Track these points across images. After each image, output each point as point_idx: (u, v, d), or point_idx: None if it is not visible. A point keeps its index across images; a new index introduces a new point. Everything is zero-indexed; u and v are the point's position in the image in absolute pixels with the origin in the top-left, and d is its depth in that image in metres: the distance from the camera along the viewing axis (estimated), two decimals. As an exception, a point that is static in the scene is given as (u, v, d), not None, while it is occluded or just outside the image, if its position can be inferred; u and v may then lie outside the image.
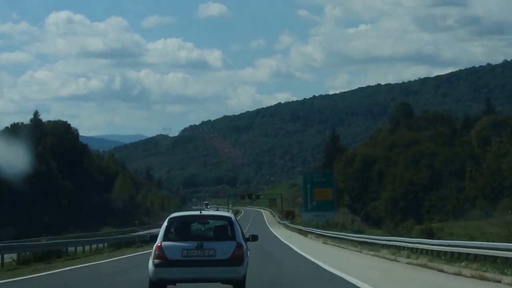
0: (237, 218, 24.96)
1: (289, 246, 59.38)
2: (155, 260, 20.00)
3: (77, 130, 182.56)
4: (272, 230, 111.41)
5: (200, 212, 22.14)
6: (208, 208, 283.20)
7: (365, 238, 60.48)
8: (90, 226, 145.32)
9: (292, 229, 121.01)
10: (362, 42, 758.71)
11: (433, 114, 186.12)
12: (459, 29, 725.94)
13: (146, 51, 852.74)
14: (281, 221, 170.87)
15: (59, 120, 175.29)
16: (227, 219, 20.93)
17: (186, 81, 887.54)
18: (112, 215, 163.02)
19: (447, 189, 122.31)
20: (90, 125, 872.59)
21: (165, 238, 20.20)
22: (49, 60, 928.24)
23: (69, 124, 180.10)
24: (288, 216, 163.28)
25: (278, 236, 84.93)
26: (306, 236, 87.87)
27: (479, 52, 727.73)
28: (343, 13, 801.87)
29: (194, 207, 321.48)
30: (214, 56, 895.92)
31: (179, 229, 20.54)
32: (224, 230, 20.55)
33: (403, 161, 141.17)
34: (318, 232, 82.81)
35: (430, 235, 68.95)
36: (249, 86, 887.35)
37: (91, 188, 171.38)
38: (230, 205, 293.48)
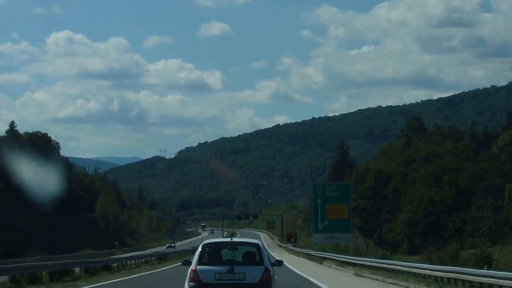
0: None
1: (310, 281, 39.25)
2: (190, 283, 21.33)
3: (58, 143, 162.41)
4: (273, 255, 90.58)
5: (231, 239, 23.72)
6: (205, 230, 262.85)
7: (429, 269, 39.57)
8: (67, 247, 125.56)
9: (298, 254, 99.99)
10: (363, 64, 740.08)
11: (448, 130, 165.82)
12: (463, 51, 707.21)
13: (146, 72, 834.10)
14: (281, 244, 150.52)
15: (37, 132, 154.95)
16: (256, 245, 22.37)
17: (184, 103, 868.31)
18: (93, 236, 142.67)
19: (481, 209, 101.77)
20: (87, 147, 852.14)
21: (199, 262, 21.65)
22: (47, 81, 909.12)
23: (50, 137, 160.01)
24: (290, 239, 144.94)
25: (286, 264, 64.39)
26: (321, 263, 67.57)
27: (481, 76, 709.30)
28: (347, 34, 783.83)
29: (188, 230, 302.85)
30: (213, 78, 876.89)
31: (211, 254, 21.98)
32: (253, 255, 21.99)
33: (423, 178, 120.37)
34: (340, 259, 62.13)
35: (489, 264, 50.84)
36: (247, 109, 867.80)
37: (72, 206, 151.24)
38: (219, 228, 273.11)
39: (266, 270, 21.33)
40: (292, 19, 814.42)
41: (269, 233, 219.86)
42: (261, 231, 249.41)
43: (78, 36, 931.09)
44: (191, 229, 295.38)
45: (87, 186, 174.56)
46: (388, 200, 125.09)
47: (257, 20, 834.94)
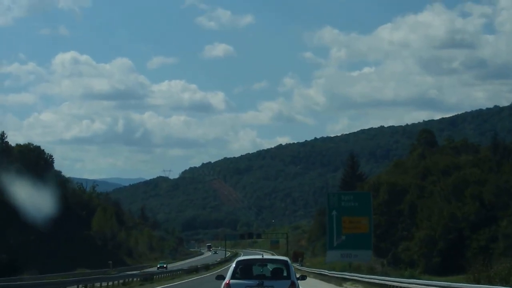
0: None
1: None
2: None
3: (52, 156, 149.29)
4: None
5: (262, 256, 25.63)
6: (211, 250, 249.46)
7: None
8: (60, 265, 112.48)
9: (308, 274, 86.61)
10: (365, 85, 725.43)
11: (461, 143, 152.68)
12: (464, 72, 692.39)
13: (150, 93, 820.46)
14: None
15: (29, 144, 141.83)
16: (284, 262, 24.45)
17: (188, 124, 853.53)
18: (89, 254, 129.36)
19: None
20: (93, 168, 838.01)
21: (233, 277, 23.42)
22: (54, 102, 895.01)
23: (43, 150, 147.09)
24: (297, 258, 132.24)
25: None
26: (341, 285, 54.62)
27: (482, 97, 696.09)
28: (348, 55, 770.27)
29: (191, 250, 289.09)
30: (217, 99, 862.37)
31: (243, 270, 23.94)
32: (281, 271, 23.88)
33: (442, 191, 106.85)
34: (367, 280, 48.96)
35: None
36: (250, 130, 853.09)
37: (68, 224, 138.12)
38: (220, 248, 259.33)
39: (293, 283, 23.05)
40: (295, 41, 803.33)
41: (273, 252, 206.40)
42: (265, 251, 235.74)
43: (84, 57, 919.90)
44: (194, 249, 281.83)
45: (84, 203, 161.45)
46: (404, 216, 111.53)
47: (259, 41, 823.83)
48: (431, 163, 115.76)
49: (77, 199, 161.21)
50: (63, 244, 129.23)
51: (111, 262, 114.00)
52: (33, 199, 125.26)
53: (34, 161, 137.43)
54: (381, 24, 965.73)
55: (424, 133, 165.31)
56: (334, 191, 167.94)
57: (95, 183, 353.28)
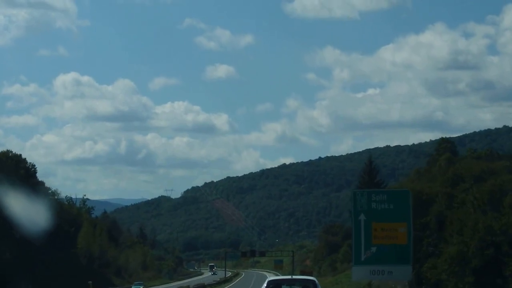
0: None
1: None
2: None
3: (35, 165, 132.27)
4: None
5: (291, 277, 28.45)
6: (214, 270, 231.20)
7: None
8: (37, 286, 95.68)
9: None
10: (369, 107, 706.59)
11: (486, 153, 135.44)
12: (470, 94, 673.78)
13: (153, 114, 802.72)
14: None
15: (7, 151, 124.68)
16: (312, 281, 26.99)
17: (191, 145, 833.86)
18: (70, 274, 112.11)
19: None
20: (95, 189, 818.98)
21: None
22: (57, 124, 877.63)
23: (24, 158, 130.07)
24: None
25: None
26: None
27: (489, 119, 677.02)
28: (351, 76, 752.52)
29: (191, 270, 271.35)
30: (221, 120, 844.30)
31: None
32: None
33: (475, 201, 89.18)
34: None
35: None
36: (253, 150, 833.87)
37: (51, 240, 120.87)
38: (215, 268, 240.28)
39: None
40: (296, 61, 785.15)
41: (277, 273, 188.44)
42: (268, 271, 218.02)
43: (85, 78, 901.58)
44: (193, 270, 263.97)
45: (72, 218, 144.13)
46: (431, 229, 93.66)
47: (260, 62, 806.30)
48: (462, 168, 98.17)
49: (65, 214, 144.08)
50: (42, 263, 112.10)
51: (90, 282, 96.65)
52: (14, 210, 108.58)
53: (13, 170, 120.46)
54: (383, 45, 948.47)
55: (444, 143, 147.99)
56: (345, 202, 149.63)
57: (97, 203, 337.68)
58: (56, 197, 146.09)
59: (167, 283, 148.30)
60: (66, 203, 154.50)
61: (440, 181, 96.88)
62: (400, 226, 49.36)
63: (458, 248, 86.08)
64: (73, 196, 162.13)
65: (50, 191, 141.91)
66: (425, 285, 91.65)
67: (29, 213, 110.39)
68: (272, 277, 26.00)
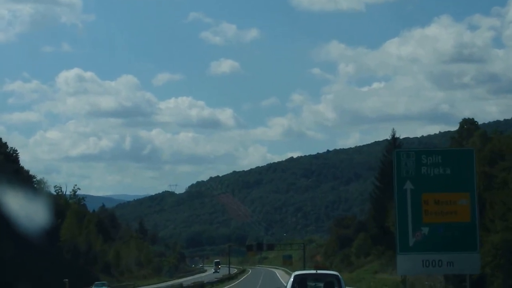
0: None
1: None
2: None
3: (17, 150, 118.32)
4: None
5: (316, 271, 29.43)
6: (218, 267, 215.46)
7: None
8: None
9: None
10: (375, 101, 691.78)
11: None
12: (476, 87, 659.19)
13: (158, 110, 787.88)
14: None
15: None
16: (335, 276, 27.68)
17: (197, 140, 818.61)
18: (50, 270, 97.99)
19: None
20: (99, 185, 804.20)
21: None
22: (60, 120, 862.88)
23: (5, 143, 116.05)
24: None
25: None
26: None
27: (495, 111, 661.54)
28: (357, 70, 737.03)
29: (194, 266, 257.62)
30: (225, 115, 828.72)
31: (300, 283, 27.38)
32: (332, 284, 27.26)
33: (521, 180, 74.60)
34: None
35: None
36: (260, 145, 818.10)
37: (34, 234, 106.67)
38: (220, 265, 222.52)
39: None
40: (301, 56, 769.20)
41: (286, 269, 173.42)
42: (276, 268, 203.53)
43: (88, 74, 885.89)
44: (197, 267, 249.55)
45: (60, 210, 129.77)
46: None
47: (266, 57, 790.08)
48: (501, 144, 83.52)
49: (52, 205, 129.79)
50: (20, 258, 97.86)
51: (67, 280, 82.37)
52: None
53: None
54: (388, 39, 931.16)
55: (467, 123, 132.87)
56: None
57: (102, 199, 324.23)
58: (42, 186, 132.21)
59: (166, 281, 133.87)
60: (55, 193, 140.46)
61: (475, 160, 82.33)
62: (460, 197, 34.85)
63: (502, 236, 71.53)
64: (76, 191, 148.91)
65: (35, 179, 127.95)
66: (466, 282, 76.15)
67: (9, 202, 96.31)
68: (298, 272, 27.77)
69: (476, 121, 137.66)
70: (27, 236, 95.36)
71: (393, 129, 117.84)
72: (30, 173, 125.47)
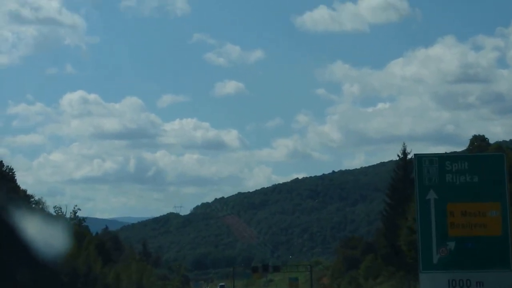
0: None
1: None
2: None
3: (13, 169, 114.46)
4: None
5: None
6: None
7: None
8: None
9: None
10: (380, 121, 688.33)
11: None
12: (481, 107, 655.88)
13: (162, 131, 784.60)
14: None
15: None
16: None
17: (201, 162, 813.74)
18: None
19: None
20: (104, 207, 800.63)
21: None
22: (64, 142, 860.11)
23: (1, 161, 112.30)
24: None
25: None
26: None
27: (501, 132, 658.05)
28: (361, 91, 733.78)
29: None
30: (230, 136, 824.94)
31: None
32: None
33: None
34: None
35: None
36: (265, 167, 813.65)
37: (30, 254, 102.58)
38: (222, 286, 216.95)
39: None
40: (306, 76, 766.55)
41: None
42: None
43: (92, 96, 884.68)
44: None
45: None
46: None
47: (270, 77, 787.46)
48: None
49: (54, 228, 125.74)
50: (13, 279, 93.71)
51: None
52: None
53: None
54: (393, 59, 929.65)
55: (477, 140, 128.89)
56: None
57: (106, 222, 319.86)
58: (41, 206, 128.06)
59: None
60: (54, 214, 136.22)
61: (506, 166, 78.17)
62: (490, 207, 30.65)
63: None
64: (79, 214, 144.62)
65: (33, 200, 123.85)
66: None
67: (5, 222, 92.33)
68: None
69: (487, 138, 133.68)
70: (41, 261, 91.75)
71: (404, 144, 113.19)
72: (28, 192, 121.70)
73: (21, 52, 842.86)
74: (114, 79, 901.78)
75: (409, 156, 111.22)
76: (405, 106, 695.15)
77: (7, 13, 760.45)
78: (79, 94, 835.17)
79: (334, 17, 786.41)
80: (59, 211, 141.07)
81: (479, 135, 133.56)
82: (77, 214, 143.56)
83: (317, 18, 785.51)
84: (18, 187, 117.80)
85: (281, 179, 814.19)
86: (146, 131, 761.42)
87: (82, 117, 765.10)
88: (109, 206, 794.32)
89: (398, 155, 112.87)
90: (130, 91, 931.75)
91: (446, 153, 37.36)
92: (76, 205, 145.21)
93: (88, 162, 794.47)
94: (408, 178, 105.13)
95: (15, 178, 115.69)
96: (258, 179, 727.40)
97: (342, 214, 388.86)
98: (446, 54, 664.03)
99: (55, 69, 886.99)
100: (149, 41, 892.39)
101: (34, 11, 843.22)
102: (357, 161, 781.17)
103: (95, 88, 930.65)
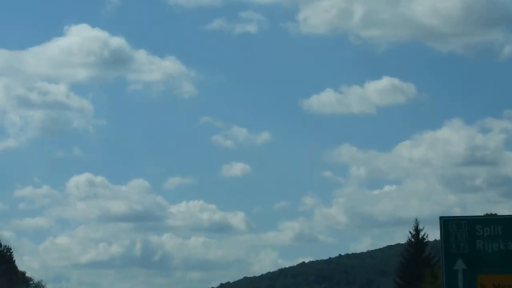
0: None
1: None
2: None
3: (11, 249, 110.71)
4: None
5: None
6: None
7: None
8: None
9: None
10: (386, 204, 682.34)
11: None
12: (488, 190, 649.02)
13: (169, 214, 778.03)
14: None
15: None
16: None
17: (208, 245, 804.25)
18: None
19: None
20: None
21: None
22: (70, 225, 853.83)
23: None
24: None
25: None
26: None
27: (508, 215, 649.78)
28: (368, 173, 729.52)
29: None
30: (237, 219, 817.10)
31: None
32: None
33: None
34: None
35: None
36: (271, 250, 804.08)
37: None
38: None
39: None
40: (313, 159, 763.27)
41: None
42: None
43: (99, 179, 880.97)
44: None
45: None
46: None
47: (277, 160, 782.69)
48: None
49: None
50: None
51: None
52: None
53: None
54: (400, 141, 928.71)
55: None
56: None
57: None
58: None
59: None
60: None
61: None
62: (528, 281, 27.29)
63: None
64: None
65: (32, 282, 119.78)
66: None
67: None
68: None
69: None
70: None
71: (416, 220, 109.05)
72: (27, 275, 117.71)
73: (29, 135, 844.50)
74: (121, 162, 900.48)
75: (421, 234, 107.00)
76: (412, 188, 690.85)
77: (15, 98, 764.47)
78: (85, 176, 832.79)
79: (341, 100, 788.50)
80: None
81: (490, 213, 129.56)
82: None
83: (324, 101, 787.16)
84: (16, 268, 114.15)
85: (287, 263, 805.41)
86: (153, 214, 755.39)
87: (88, 200, 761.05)
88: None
89: (410, 232, 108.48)
90: (137, 173, 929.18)
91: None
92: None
93: (94, 246, 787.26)
94: (421, 257, 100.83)
95: (14, 259, 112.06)
96: (264, 263, 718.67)
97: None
98: (453, 137, 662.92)
99: (62, 151, 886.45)
100: (156, 123, 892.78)
101: (42, 95, 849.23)
102: (363, 244, 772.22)
103: (101, 171, 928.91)
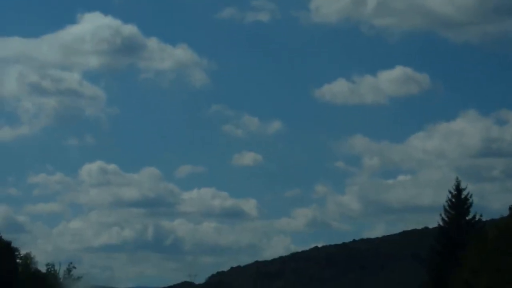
0: None
1: None
2: None
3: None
4: None
5: None
6: None
7: None
8: None
9: None
10: (401, 192, 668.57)
11: None
12: (505, 180, 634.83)
13: (180, 200, 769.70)
14: None
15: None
16: None
17: (219, 231, 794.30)
18: None
19: None
20: (121, 276, 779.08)
21: None
22: (82, 211, 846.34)
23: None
24: None
25: None
26: None
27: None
28: (381, 164, 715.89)
29: None
30: (249, 206, 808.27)
31: None
32: None
33: None
34: None
35: None
36: (284, 236, 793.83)
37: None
38: None
39: None
40: (325, 148, 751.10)
41: None
42: None
43: (111, 166, 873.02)
44: None
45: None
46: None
47: (289, 149, 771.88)
48: None
49: (39, 284, 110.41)
50: None
51: None
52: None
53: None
54: (413, 133, 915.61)
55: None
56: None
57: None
58: (28, 261, 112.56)
59: None
60: (46, 271, 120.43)
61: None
62: None
63: None
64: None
65: (17, 254, 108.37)
66: None
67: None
68: None
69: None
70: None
71: (457, 178, 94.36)
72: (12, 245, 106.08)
73: (42, 122, 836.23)
74: (133, 150, 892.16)
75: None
76: (427, 178, 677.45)
77: (28, 85, 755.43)
78: (98, 164, 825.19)
79: (353, 90, 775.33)
80: (52, 269, 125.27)
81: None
82: (71, 273, 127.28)
83: (336, 91, 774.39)
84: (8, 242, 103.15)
85: (299, 248, 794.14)
86: (165, 200, 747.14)
87: (101, 187, 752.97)
88: (125, 276, 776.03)
89: (450, 191, 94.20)
90: (148, 161, 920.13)
91: None
92: (71, 263, 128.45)
93: (107, 230, 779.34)
94: (464, 219, 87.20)
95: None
96: (276, 248, 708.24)
97: (361, 284, 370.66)
98: (468, 128, 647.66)
99: (75, 139, 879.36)
100: (167, 112, 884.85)
101: (55, 83, 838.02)
102: (378, 230, 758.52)
103: (114, 159, 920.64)
